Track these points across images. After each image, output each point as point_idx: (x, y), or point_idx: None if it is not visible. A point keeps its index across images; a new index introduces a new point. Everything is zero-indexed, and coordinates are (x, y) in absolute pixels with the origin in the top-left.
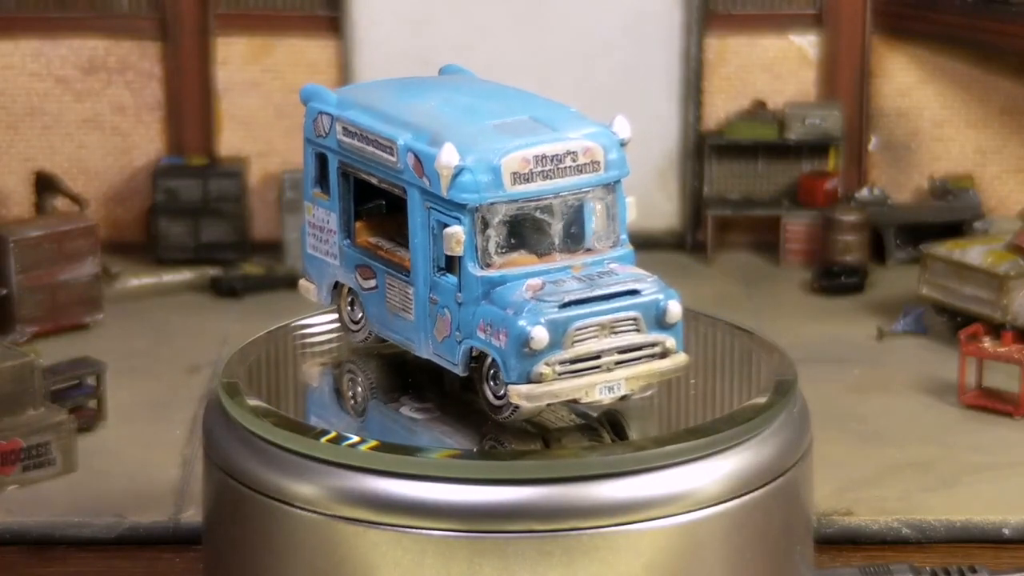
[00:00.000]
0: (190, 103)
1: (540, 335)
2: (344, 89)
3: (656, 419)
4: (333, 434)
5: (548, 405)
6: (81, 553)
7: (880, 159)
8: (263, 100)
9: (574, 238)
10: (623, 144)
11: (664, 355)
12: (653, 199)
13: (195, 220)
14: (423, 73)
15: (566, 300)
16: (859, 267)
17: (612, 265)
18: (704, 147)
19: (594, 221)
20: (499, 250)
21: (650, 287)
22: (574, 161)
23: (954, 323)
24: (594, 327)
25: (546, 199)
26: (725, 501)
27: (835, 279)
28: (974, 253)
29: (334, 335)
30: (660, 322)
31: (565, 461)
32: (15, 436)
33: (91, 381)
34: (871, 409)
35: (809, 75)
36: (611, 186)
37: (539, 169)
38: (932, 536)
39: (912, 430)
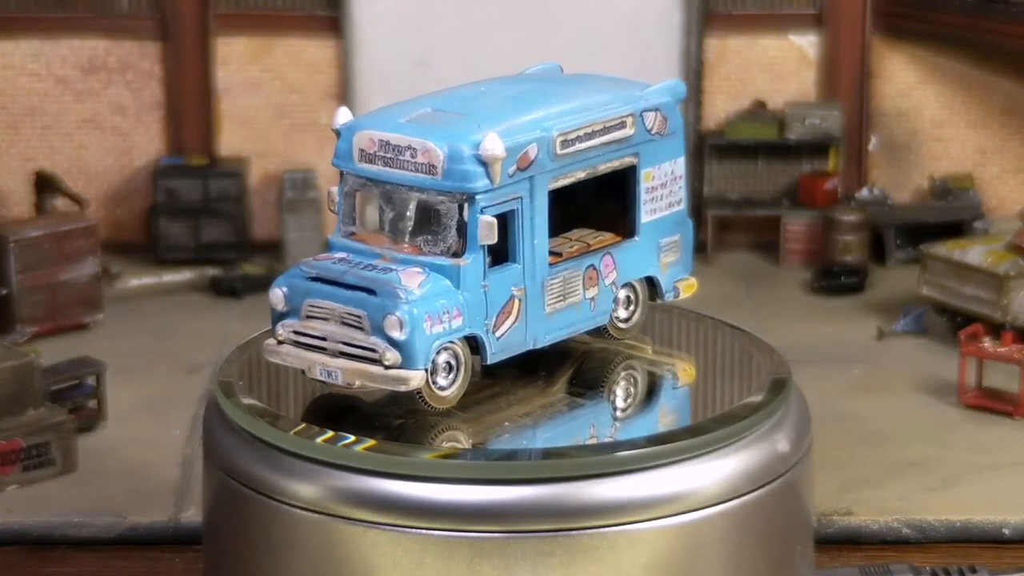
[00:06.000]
0: (190, 103)
1: (274, 296)
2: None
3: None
4: (330, 434)
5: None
6: (81, 553)
7: (880, 159)
8: (263, 100)
9: (399, 231)
10: (483, 162)
11: (383, 363)
12: None
13: (195, 220)
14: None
15: (314, 275)
16: (859, 267)
17: (412, 269)
18: (704, 147)
19: (423, 223)
20: (345, 219)
21: (388, 294)
22: (412, 157)
23: (954, 323)
24: (326, 309)
25: (385, 184)
26: (725, 501)
27: (835, 279)
28: (974, 253)
29: None
30: (382, 330)
31: (565, 461)
32: (15, 436)
33: (91, 381)
34: (871, 409)
35: (809, 75)
36: (455, 195)
37: (381, 154)
38: (932, 536)
39: (912, 430)
